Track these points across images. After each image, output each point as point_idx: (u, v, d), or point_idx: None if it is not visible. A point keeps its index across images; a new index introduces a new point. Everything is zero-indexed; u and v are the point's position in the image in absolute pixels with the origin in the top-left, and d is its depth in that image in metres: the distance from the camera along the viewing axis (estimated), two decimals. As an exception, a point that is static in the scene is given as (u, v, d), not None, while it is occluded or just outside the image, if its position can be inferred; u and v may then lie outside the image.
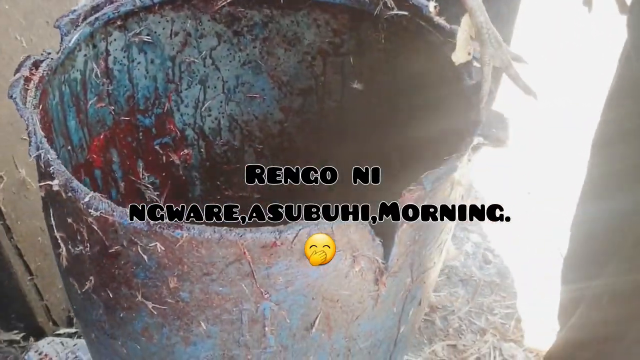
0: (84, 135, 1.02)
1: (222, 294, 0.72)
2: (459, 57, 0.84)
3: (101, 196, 0.70)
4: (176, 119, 1.20)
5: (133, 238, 0.69)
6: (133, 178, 1.19)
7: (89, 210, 0.69)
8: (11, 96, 0.79)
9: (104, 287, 0.77)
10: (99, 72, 1.00)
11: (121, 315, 0.79)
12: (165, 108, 1.17)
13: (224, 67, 1.14)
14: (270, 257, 0.69)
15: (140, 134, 1.16)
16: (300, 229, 0.68)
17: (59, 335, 1.58)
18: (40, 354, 1.45)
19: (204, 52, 1.11)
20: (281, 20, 1.06)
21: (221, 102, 1.20)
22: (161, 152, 1.22)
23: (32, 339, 1.54)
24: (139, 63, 1.07)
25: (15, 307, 1.50)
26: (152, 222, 0.68)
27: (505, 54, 0.83)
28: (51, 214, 0.79)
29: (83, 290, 0.80)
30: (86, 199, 0.70)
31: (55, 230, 0.79)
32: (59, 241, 0.79)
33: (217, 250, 0.68)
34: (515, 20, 1.60)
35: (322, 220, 0.69)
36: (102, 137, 1.07)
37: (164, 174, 1.25)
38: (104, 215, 0.69)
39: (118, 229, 0.69)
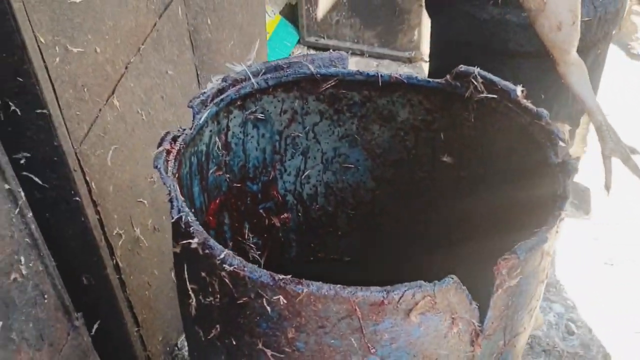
0: (204, 200, 1.16)
1: (333, 347, 0.81)
2: (576, 151, 0.93)
3: (233, 254, 0.82)
4: (279, 186, 1.33)
5: (260, 291, 0.80)
6: (240, 238, 1.31)
7: (224, 265, 0.81)
8: (156, 166, 0.93)
9: (228, 335, 0.88)
10: (220, 145, 1.14)
11: (241, 361, 0.89)
12: (271, 176, 1.30)
13: (324, 140, 1.27)
14: (377, 315, 0.79)
15: (248, 199, 1.29)
16: (405, 290, 0.77)
17: (157, 384, 1.70)
18: (143, 400, 1.57)
19: (307, 127, 1.24)
20: (378, 100, 1.19)
21: (319, 171, 1.32)
22: (264, 215, 1.35)
23: (135, 385, 1.66)
24: (252, 137, 1.21)
25: (121, 356, 1.63)
26: (277, 277, 0.79)
27: (623, 147, 0.92)
28: (185, 269, 0.91)
29: (209, 337, 0.91)
30: (222, 256, 0.82)
31: (188, 283, 0.91)
32: (190, 292, 0.91)
33: (332, 306, 0.78)
34: (597, 90, 1.67)
35: (424, 282, 0.78)
36: (217, 201, 1.21)
37: (265, 236, 1.37)
38: (236, 269, 0.81)
39: (247, 283, 0.81)
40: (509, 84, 1.06)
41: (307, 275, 0.81)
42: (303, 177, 1.32)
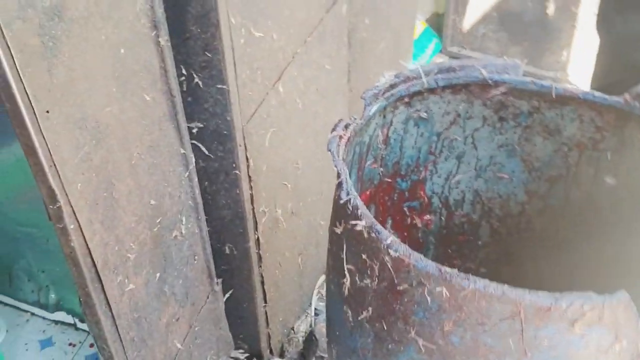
0: (358, 189, 1.20)
1: (488, 345, 0.82)
2: None
3: (399, 241, 0.85)
4: (427, 187, 1.34)
5: (423, 280, 0.82)
6: (381, 232, 1.34)
7: (389, 250, 0.84)
8: (329, 149, 0.97)
9: (380, 319, 0.91)
10: (381, 139, 1.17)
11: (389, 346, 0.92)
12: (421, 176, 1.32)
13: (482, 147, 1.27)
14: (541, 320, 0.79)
15: (396, 195, 1.32)
16: (574, 299, 0.77)
17: (273, 363, 1.77)
18: (260, 376, 1.63)
19: (467, 132, 1.25)
20: (546, 112, 1.17)
21: (470, 177, 1.33)
22: (408, 214, 1.37)
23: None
24: (411, 135, 1.23)
25: (246, 328, 1.71)
26: (443, 269, 0.81)
27: None
28: (344, 249, 0.95)
29: (358, 318, 0.95)
30: (388, 241, 0.85)
31: (345, 263, 0.95)
32: (346, 272, 0.95)
33: (496, 305, 0.79)
34: None
35: (594, 294, 0.77)
36: (368, 192, 1.24)
37: (405, 234, 1.39)
38: (401, 256, 0.83)
39: (411, 270, 0.83)
40: (692, 111, 1.03)
41: None
42: (453, 181, 1.33)
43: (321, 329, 1.90)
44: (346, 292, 0.96)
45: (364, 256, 0.90)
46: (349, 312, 0.98)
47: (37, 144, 0.75)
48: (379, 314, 0.91)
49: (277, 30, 1.36)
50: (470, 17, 3.09)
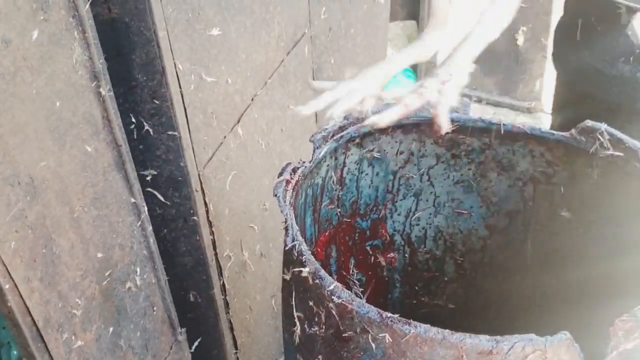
0: (314, 232, 1.18)
1: (435, 391, 0.80)
2: None
3: (343, 287, 0.83)
4: (388, 225, 1.33)
5: (366, 326, 0.81)
6: (344, 273, 1.32)
7: (332, 296, 0.83)
8: (275, 194, 0.97)
9: (330, 367, 0.89)
10: (335, 180, 1.17)
11: (340, 394, 0.89)
12: (381, 214, 1.31)
13: (438, 184, 1.27)
14: (484, 363, 0.77)
15: (357, 235, 1.31)
16: (515, 342, 0.75)
17: (249, 408, 1.72)
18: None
19: (422, 170, 1.24)
20: (498, 148, 1.17)
21: (430, 214, 1.32)
22: (371, 252, 1.35)
23: (228, 409, 1.69)
24: (366, 174, 1.22)
25: (218, 378, 1.67)
26: (384, 314, 0.79)
27: None
28: (293, 296, 0.93)
29: (310, 366, 0.93)
30: (331, 287, 0.83)
31: (295, 310, 0.93)
32: (296, 320, 0.93)
33: (438, 350, 0.77)
34: None
35: (535, 336, 0.76)
36: (327, 234, 1.23)
37: (370, 273, 1.38)
38: (344, 302, 0.82)
39: (354, 317, 0.82)
40: (638, 143, 1.02)
41: (409, 318, 0.81)
42: (413, 218, 1.32)
43: (298, 371, 1.86)
44: (297, 340, 0.95)
45: (310, 303, 0.89)
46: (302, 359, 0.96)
47: (-39, 204, 0.73)
48: (328, 362, 0.89)
49: (233, 74, 1.36)
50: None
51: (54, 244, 0.92)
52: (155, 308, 1.29)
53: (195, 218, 1.31)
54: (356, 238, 1.31)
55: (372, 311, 0.80)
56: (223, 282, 1.49)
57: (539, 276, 1.27)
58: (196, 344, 1.54)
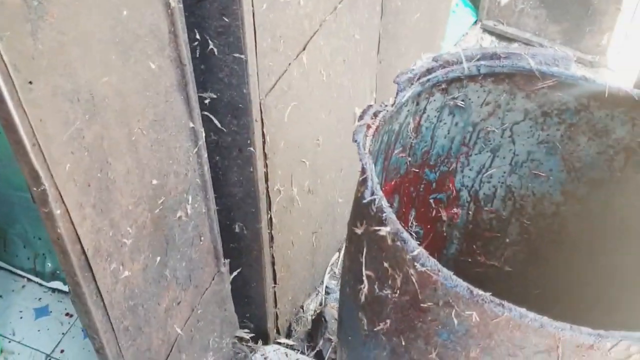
0: (382, 179, 1.09)
1: (518, 378, 0.73)
2: None
3: (429, 254, 0.75)
4: (457, 179, 1.23)
5: (451, 301, 0.73)
6: (402, 224, 1.24)
7: (415, 263, 0.74)
8: (355, 140, 0.87)
9: (398, 334, 0.82)
10: (412, 127, 1.06)
11: (405, 364, 0.82)
12: (451, 167, 1.21)
13: (520, 142, 1.16)
14: (581, 358, 0.69)
15: (422, 186, 1.21)
16: (621, 340, 0.67)
17: (279, 343, 1.69)
18: (265, 358, 1.56)
19: (506, 125, 1.13)
20: (595, 112, 1.06)
21: (504, 172, 1.22)
22: (434, 206, 1.26)
23: (260, 341, 1.66)
24: (445, 124, 1.12)
25: (252, 308, 1.63)
26: (475, 292, 0.71)
27: None
28: (363, 252, 0.85)
29: (374, 329, 0.85)
30: (415, 252, 0.74)
31: (364, 268, 0.85)
32: (364, 278, 0.85)
33: (532, 337, 0.69)
34: None
35: (646, 335, 0.67)
36: (393, 182, 1.14)
37: (429, 227, 1.29)
38: (428, 271, 0.73)
39: (438, 288, 0.73)
40: None
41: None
42: (485, 175, 1.22)
43: (331, 309, 1.82)
44: (363, 298, 0.87)
45: (385, 264, 0.80)
46: (364, 320, 0.89)
47: (16, 120, 0.64)
48: (397, 328, 0.82)
49: (304, -3, 1.24)
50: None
51: (109, 168, 0.84)
52: (202, 238, 1.22)
53: (251, 149, 1.22)
54: (421, 190, 1.22)
55: (461, 286, 0.71)
56: (270, 216, 1.42)
57: (613, 254, 1.17)
58: (235, 274, 1.49)
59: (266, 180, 1.33)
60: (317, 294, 1.92)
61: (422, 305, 0.76)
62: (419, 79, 0.99)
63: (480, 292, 0.70)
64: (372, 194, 0.81)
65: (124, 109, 0.84)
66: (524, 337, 0.70)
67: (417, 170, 1.18)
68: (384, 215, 0.79)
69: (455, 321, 0.73)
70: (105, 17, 0.77)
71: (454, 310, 0.73)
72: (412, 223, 1.25)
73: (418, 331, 0.78)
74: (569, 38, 2.92)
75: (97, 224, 0.84)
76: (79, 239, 0.80)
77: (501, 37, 2.98)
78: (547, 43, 2.95)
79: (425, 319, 0.77)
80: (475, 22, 3.04)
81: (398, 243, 0.76)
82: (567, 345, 0.68)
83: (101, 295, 0.88)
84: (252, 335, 1.67)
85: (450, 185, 1.24)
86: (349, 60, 1.59)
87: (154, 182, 0.97)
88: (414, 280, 0.75)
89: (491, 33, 3.04)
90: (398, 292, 0.79)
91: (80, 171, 0.77)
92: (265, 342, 1.67)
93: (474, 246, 1.34)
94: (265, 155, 1.28)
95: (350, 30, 1.54)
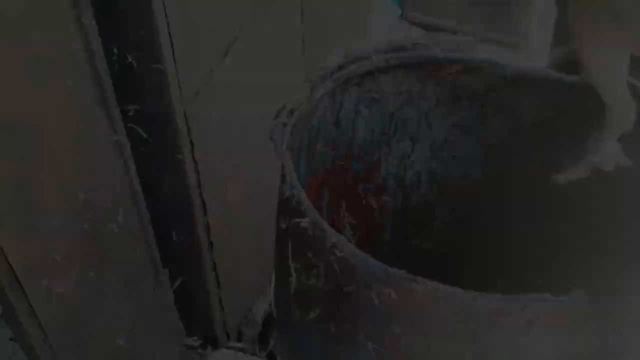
0: (306, 174, 1.13)
1: (441, 349, 0.77)
2: None
3: (345, 240, 0.78)
4: (382, 168, 1.28)
5: (369, 282, 0.77)
6: (335, 217, 1.28)
7: (334, 250, 0.78)
8: (272, 138, 0.90)
9: (328, 321, 0.85)
10: (331, 121, 1.10)
11: (337, 348, 0.86)
12: (375, 157, 1.25)
13: (436, 127, 1.21)
14: (494, 323, 0.74)
15: (350, 177, 1.26)
16: (528, 302, 0.72)
17: (230, 347, 1.71)
18: (216, 363, 1.58)
19: (421, 112, 1.18)
20: (503, 91, 1.12)
21: (426, 157, 1.27)
22: (363, 196, 1.31)
23: (209, 347, 1.67)
24: (363, 116, 1.16)
25: (198, 315, 1.64)
26: (390, 270, 0.75)
27: None
28: (289, 246, 0.88)
29: (306, 319, 0.89)
30: (333, 240, 0.78)
31: (290, 260, 0.88)
32: (292, 270, 0.89)
33: (447, 308, 0.74)
34: None
35: (550, 296, 0.72)
36: (320, 177, 1.18)
37: (362, 217, 1.33)
38: (346, 257, 0.77)
39: (357, 272, 0.77)
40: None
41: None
42: (408, 161, 1.27)
43: (280, 308, 1.84)
44: (292, 290, 0.90)
45: (309, 254, 0.84)
46: (297, 311, 0.92)
47: None
48: (327, 316, 0.86)
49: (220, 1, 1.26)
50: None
51: (31, 187, 0.85)
52: (137, 249, 1.24)
53: (179, 156, 1.24)
54: (349, 181, 1.26)
55: (377, 266, 0.75)
56: (207, 221, 1.44)
57: (535, 225, 1.24)
58: (177, 283, 1.50)
59: (199, 186, 1.35)
60: (265, 295, 1.94)
61: (344, 289, 0.80)
62: (331, 75, 1.03)
63: (395, 270, 0.74)
64: (292, 188, 0.85)
65: (43, 129, 0.86)
66: (440, 308, 0.74)
67: (343, 163, 1.22)
68: (302, 207, 0.82)
69: (376, 301, 0.77)
70: (15, 41, 0.78)
71: (373, 292, 0.77)
72: (344, 214, 1.29)
73: (345, 315, 0.82)
74: (493, 22, 3.01)
75: (24, 242, 0.85)
76: (6, 258, 0.81)
77: (429, 27, 3.06)
78: (471, 29, 3.04)
79: (351, 302, 0.80)
80: (402, 15, 3.11)
81: (318, 232, 0.80)
82: (481, 312, 0.73)
83: (35, 314, 0.89)
84: (201, 342, 1.68)
85: (377, 174, 1.28)
86: (274, 63, 1.62)
87: (81, 196, 0.98)
88: (336, 267, 0.79)
89: (418, 25, 3.11)
90: (323, 279, 0.83)
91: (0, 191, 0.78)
92: (215, 347, 1.68)
93: (407, 231, 1.39)
94: (195, 161, 1.30)
95: (273, 33, 1.57)
